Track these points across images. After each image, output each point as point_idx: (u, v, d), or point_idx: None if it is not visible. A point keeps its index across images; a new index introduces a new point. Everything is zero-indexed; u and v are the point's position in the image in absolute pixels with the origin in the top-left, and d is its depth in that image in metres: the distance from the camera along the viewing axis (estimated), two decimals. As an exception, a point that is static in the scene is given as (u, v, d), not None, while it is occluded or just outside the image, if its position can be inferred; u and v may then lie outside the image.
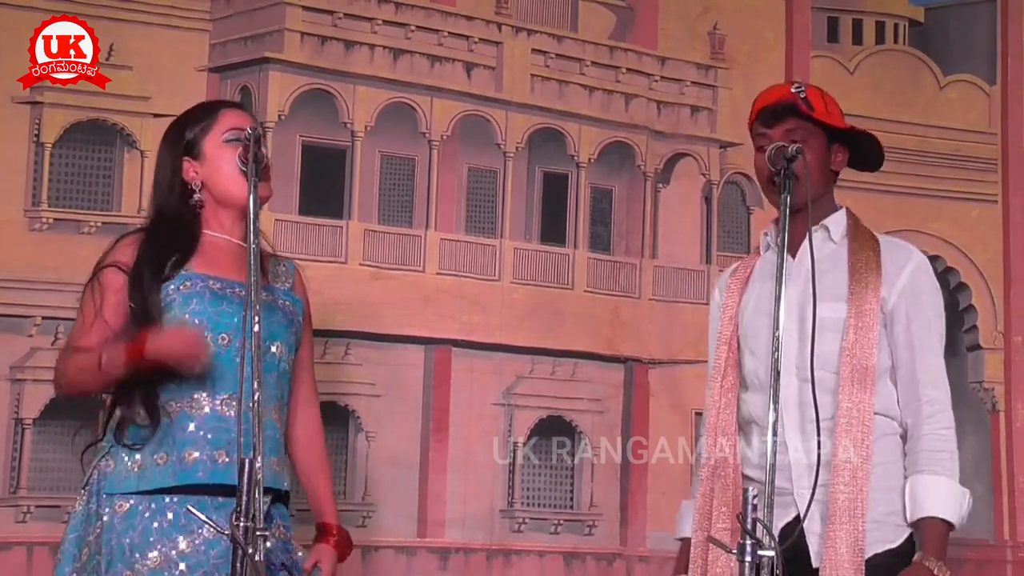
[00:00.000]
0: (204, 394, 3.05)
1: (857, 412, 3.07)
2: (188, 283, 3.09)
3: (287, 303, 3.25)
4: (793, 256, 3.16)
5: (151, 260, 3.08)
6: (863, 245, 3.19)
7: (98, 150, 5.06)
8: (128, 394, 3.06)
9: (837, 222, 3.24)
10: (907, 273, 3.17)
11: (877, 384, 3.11)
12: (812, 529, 3.07)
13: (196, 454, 3.02)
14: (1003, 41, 6.19)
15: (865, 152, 3.28)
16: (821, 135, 3.20)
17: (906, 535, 3.14)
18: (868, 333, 3.10)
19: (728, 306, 3.31)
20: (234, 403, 3.04)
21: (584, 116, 5.74)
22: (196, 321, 3.06)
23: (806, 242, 3.13)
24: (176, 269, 3.09)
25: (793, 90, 3.21)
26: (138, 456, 3.04)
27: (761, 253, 3.33)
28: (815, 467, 2.99)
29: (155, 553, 2.99)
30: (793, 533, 2.94)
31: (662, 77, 5.87)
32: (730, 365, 3.25)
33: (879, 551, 3.10)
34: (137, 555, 2.99)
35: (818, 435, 2.98)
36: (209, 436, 3.02)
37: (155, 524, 3.00)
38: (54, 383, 3.16)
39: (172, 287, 3.07)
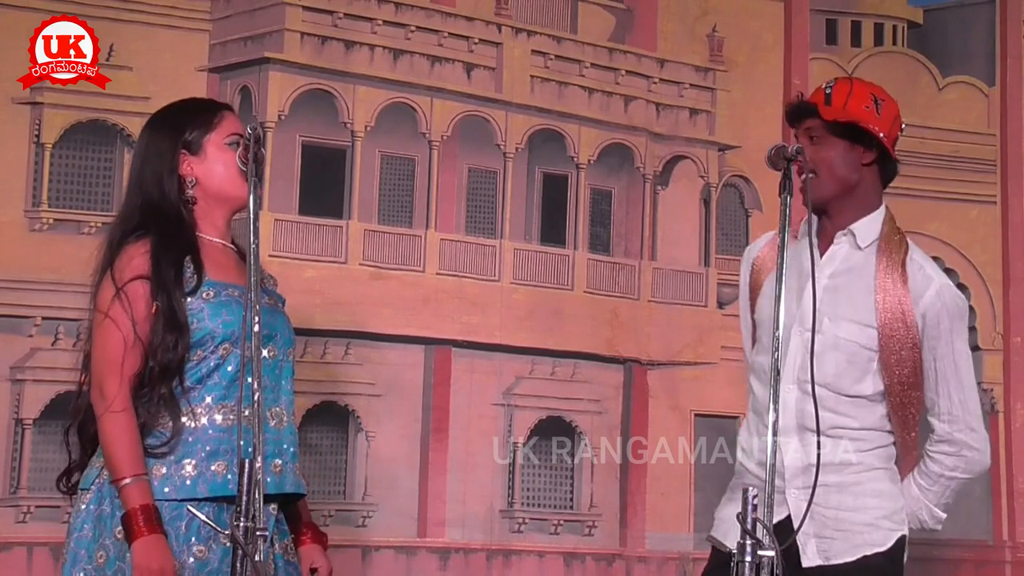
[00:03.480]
0: (231, 403, 3.03)
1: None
2: (211, 291, 3.07)
3: (281, 306, 3.25)
4: (821, 256, 3.14)
5: (170, 257, 3.05)
6: (892, 261, 3.16)
7: (98, 150, 5.06)
8: (151, 397, 3.02)
9: (867, 228, 3.18)
10: (924, 303, 3.16)
11: (873, 405, 3.15)
12: (805, 530, 3.06)
13: (220, 463, 3.00)
14: (1002, 43, 6.19)
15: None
16: (839, 133, 3.17)
17: (896, 538, 3.14)
18: (893, 356, 3.13)
19: (757, 286, 3.30)
20: (265, 408, 3.03)
21: (584, 117, 5.74)
22: (226, 332, 3.03)
23: (832, 248, 3.14)
24: (195, 274, 3.07)
25: (822, 86, 3.19)
26: (162, 463, 3.00)
27: (798, 238, 3.27)
28: (812, 470, 3.00)
29: (176, 563, 2.98)
30: (784, 531, 2.92)
31: (661, 79, 5.88)
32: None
33: (868, 553, 3.10)
34: None
35: (818, 440, 2.97)
36: (232, 447, 2.99)
37: (176, 531, 2.99)
38: (93, 395, 3.08)
39: (197, 297, 3.05)
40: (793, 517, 3.04)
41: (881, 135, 3.16)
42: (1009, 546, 5.90)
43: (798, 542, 3.05)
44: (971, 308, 6.02)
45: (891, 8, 6.36)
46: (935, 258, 6.09)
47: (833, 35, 6.27)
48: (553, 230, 5.65)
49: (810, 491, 2.98)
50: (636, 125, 5.80)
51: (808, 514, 3.01)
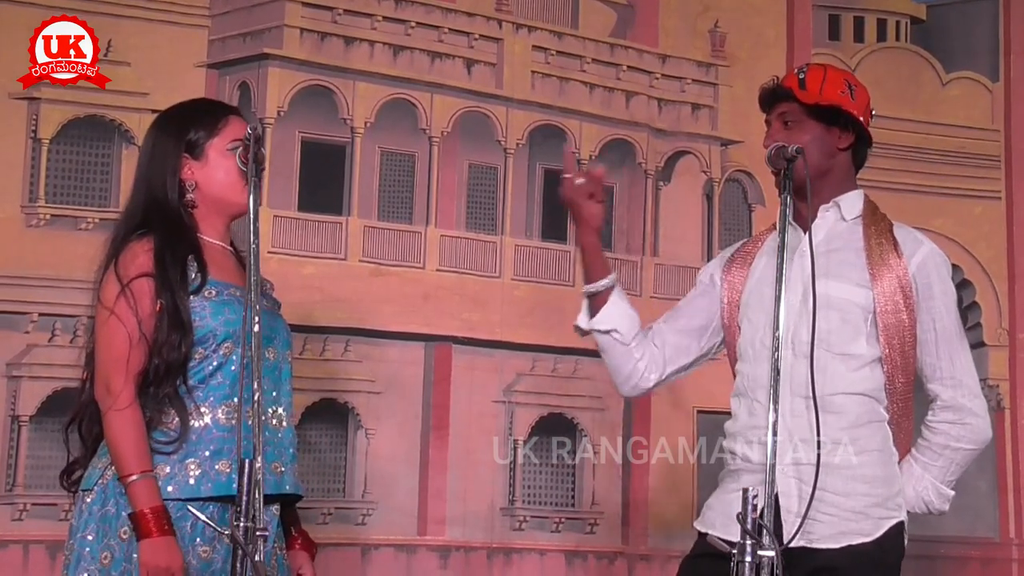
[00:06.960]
0: (235, 400, 3.02)
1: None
2: (213, 290, 3.06)
3: (278, 309, 3.25)
4: (804, 233, 3.14)
5: (173, 257, 3.04)
6: (880, 229, 3.16)
7: (96, 146, 5.05)
8: (156, 396, 3.00)
9: (850, 202, 3.19)
10: (915, 263, 3.15)
11: (866, 369, 3.10)
12: (787, 507, 3.02)
13: (224, 463, 2.99)
14: (1005, 38, 6.18)
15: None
16: (816, 116, 3.18)
17: (886, 528, 3.07)
18: (892, 317, 3.10)
19: (733, 284, 3.29)
20: (266, 409, 3.03)
21: (585, 113, 5.73)
22: (227, 330, 3.02)
23: (817, 221, 3.14)
24: (199, 273, 3.06)
25: (795, 72, 3.20)
26: (166, 463, 2.99)
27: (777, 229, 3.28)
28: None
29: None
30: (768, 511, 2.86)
31: (663, 75, 5.87)
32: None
33: (854, 543, 3.03)
34: None
35: (816, 414, 2.94)
36: (234, 445, 2.98)
37: (181, 531, 2.97)
38: (99, 392, 3.06)
39: (199, 296, 3.04)
40: (781, 495, 2.98)
41: (860, 119, 3.18)
42: (1016, 544, 5.88)
43: (781, 519, 2.98)
44: (975, 304, 6.04)
45: (894, 4, 6.34)
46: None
47: (836, 31, 6.26)
48: (554, 226, 5.63)
49: (798, 467, 2.97)
50: (638, 121, 5.79)
51: (795, 492, 2.99)
